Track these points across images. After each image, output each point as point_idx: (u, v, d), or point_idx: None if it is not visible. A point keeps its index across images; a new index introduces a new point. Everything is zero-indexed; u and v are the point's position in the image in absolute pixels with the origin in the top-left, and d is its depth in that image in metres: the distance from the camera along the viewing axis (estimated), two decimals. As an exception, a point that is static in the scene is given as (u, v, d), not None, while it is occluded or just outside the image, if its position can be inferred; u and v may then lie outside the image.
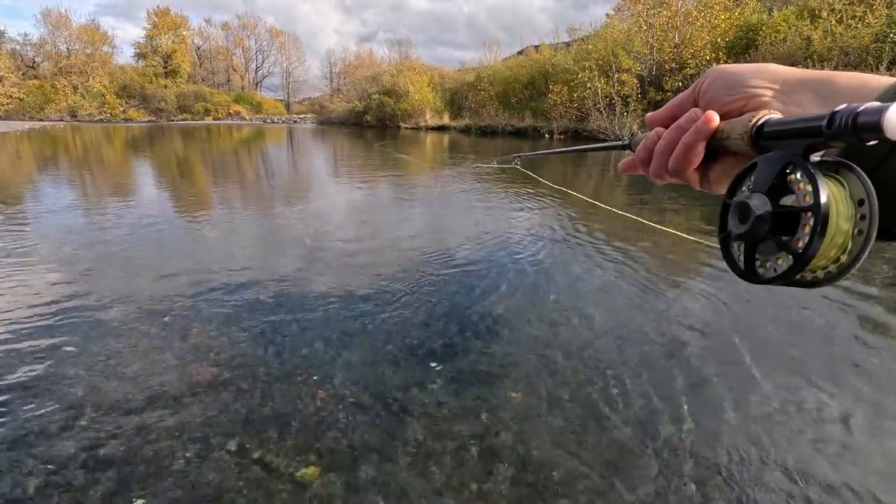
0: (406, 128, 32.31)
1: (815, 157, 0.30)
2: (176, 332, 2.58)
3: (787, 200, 0.30)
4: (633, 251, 4.11)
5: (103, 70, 51.34)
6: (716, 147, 0.37)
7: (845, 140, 0.27)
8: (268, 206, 6.35)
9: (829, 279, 0.30)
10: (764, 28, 17.33)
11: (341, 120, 42.47)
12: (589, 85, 19.79)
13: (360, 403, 1.97)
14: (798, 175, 0.30)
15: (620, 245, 4.28)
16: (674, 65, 19.26)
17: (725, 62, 16.81)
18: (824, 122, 0.27)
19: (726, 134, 0.36)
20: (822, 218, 0.28)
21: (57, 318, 2.73)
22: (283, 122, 52.52)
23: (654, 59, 19.84)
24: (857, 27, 14.08)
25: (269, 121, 52.87)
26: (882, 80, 0.31)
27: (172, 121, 49.08)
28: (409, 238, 4.55)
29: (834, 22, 14.75)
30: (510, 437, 1.80)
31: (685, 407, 1.97)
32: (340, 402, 1.98)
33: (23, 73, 47.88)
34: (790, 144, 0.31)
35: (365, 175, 9.54)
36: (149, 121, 48.15)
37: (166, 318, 2.73)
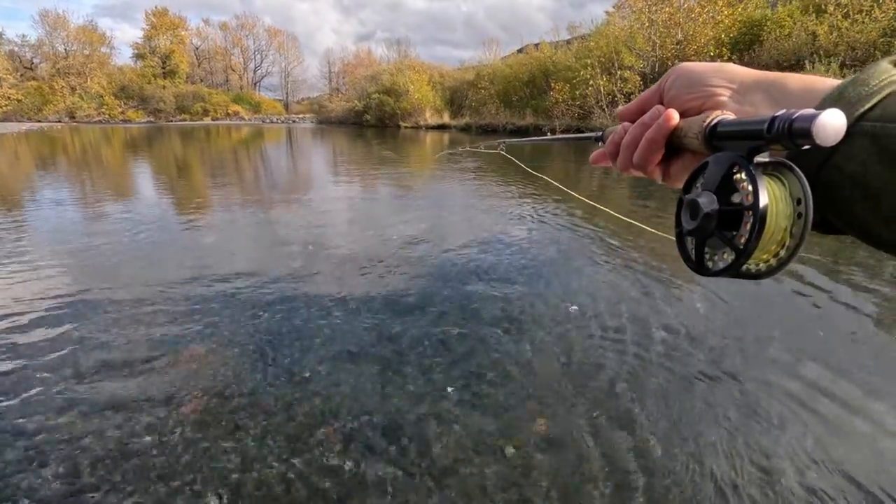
0: (406, 127, 32.11)
1: (762, 158, 0.31)
2: (167, 354, 2.39)
3: (736, 198, 0.32)
4: (632, 251, 3.92)
5: (101, 71, 51.12)
6: (676, 144, 0.38)
7: (783, 144, 0.28)
8: (267, 207, 6.15)
9: (771, 271, 0.32)
10: (768, 23, 17.09)
11: (341, 119, 42.30)
12: (591, 82, 19.57)
13: (370, 444, 1.78)
14: (742, 175, 0.31)
15: (619, 241, 4.10)
16: (677, 61, 18.98)
17: (729, 58, 16.57)
18: (765, 126, 0.28)
19: (684, 132, 0.37)
20: (760, 216, 0.29)
21: (42, 325, 2.55)
22: (283, 121, 52.34)
23: (656, 56, 19.60)
24: (864, 22, 13.83)
25: (267, 121, 52.71)
26: (828, 83, 0.31)
27: (171, 121, 48.90)
28: (411, 238, 4.36)
29: (840, 17, 14.49)
30: (543, 477, 1.61)
31: (690, 401, 1.79)
32: (349, 440, 1.79)
33: (21, 75, 47.69)
34: (737, 145, 0.32)
35: (364, 173, 9.36)
36: (147, 121, 47.99)
37: (157, 334, 2.55)
